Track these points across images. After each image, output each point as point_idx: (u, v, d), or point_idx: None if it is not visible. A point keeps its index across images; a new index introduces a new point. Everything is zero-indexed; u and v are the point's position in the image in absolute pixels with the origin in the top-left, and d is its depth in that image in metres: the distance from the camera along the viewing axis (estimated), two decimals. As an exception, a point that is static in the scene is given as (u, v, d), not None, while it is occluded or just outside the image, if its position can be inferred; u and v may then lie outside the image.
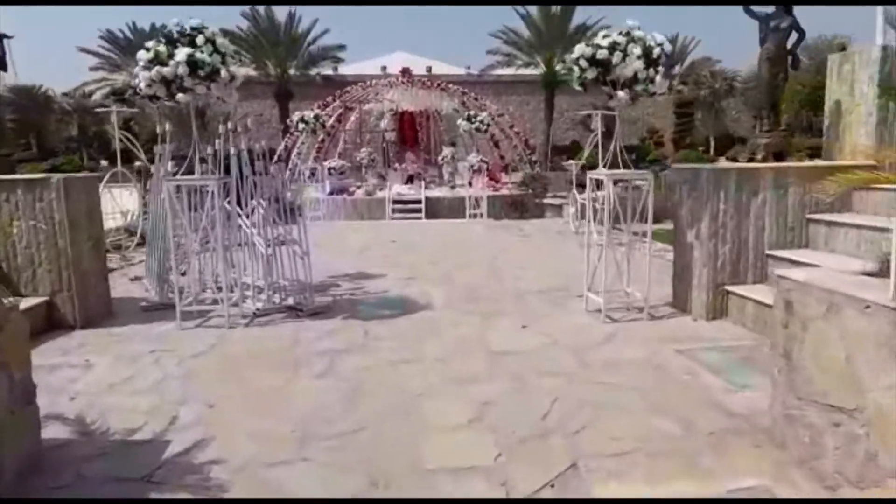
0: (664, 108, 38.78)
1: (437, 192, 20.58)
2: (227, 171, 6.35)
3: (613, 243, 5.88)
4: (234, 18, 40.36)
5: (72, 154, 36.98)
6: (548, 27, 32.15)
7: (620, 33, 5.39)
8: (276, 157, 25.18)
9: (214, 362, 4.70)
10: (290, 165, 25.66)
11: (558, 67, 33.36)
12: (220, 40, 5.55)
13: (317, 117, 13.12)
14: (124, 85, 43.74)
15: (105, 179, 10.22)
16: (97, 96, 41.88)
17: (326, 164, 16.87)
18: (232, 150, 6.15)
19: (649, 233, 5.82)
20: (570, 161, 11.24)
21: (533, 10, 32.67)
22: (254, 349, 4.98)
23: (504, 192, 19.23)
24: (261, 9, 32.35)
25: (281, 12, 32.84)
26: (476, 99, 25.12)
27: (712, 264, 5.64)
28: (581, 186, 14.53)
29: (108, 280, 6.25)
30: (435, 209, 19.30)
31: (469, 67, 36.48)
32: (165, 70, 5.34)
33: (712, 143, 35.65)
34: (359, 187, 21.96)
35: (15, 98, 36.85)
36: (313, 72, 33.55)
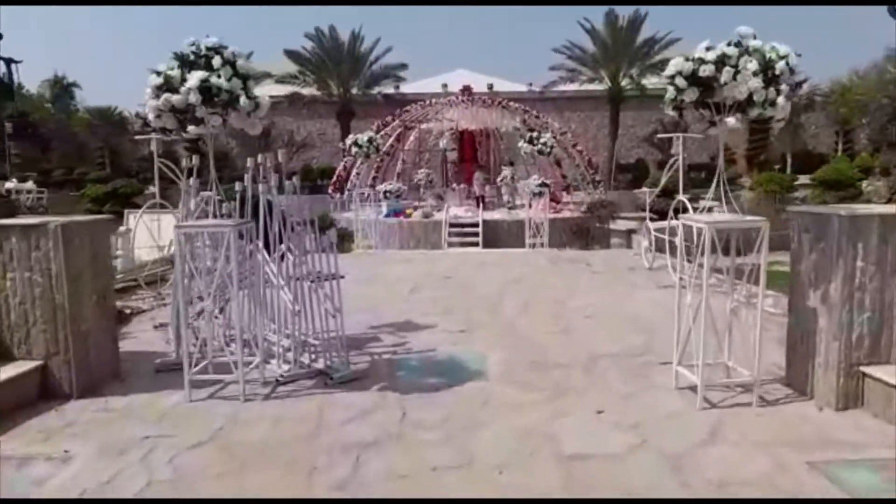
0: (737, 124, 36.54)
1: (495, 215, 19.53)
2: (256, 211, 5.50)
3: (698, 292, 4.64)
4: (297, 39, 41.05)
5: (143, 174, 37.92)
6: (614, 41, 30.79)
7: (730, 44, 4.21)
8: (335, 177, 24.80)
9: (215, 458, 3.75)
10: (348, 186, 25.30)
11: (624, 82, 31.91)
12: (241, 62, 4.68)
13: (370, 140, 12.28)
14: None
15: (142, 209, 9.65)
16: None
17: (381, 187, 16.06)
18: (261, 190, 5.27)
19: (760, 296, 4.54)
20: (644, 189, 9.95)
21: (598, 23, 31.42)
22: (266, 438, 4.01)
23: (566, 213, 18.01)
24: (325, 28, 32.30)
25: (344, 31, 32.72)
26: (538, 116, 24.05)
27: (845, 337, 4.33)
28: (655, 214, 13.18)
29: (117, 339, 5.43)
30: (493, 234, 18.26)
31: (531, 84, 35.43)
32: (175, 98, 4.50)
33: (789, 161, 33.20)
34: (416, 209, 21.19)
35: (92, 119, 38.12)
36: (375, 90, 33.23)
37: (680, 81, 4.28)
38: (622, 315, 6.91)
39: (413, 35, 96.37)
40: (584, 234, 12.87)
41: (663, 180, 9.30)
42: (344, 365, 5.18)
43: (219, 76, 4.49)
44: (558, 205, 19.61)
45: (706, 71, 4.15)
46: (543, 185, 15.12)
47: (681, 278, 4.92)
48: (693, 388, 4.50)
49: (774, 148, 35.33)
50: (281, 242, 5.43)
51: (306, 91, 32.57)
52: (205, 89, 4.42)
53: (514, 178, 22.22)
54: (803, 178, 28.89)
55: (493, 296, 7.97)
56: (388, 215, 19.68)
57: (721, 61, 4.15)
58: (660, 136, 25.95)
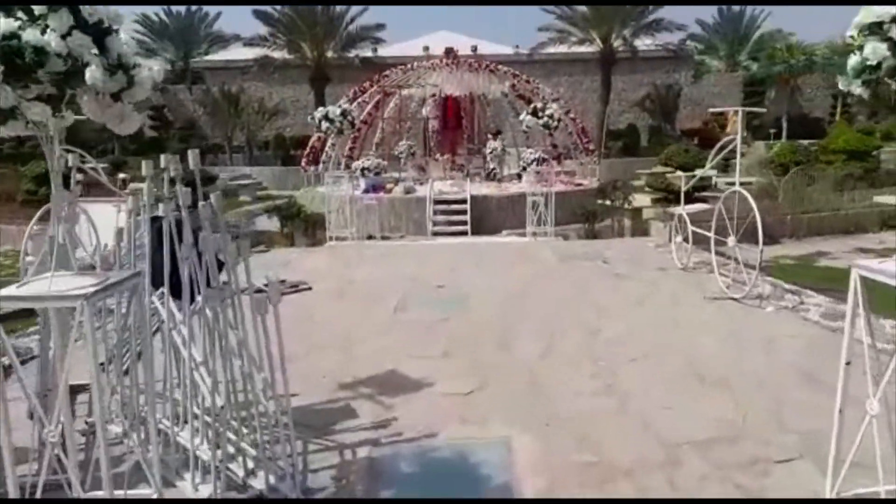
0: (731, 87, 34.57)
1: (483, 190, 17.56)
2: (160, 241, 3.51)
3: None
4: None
5: (104, 143, 35.03)
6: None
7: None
8: (308, 149, 22.53)
9: None
10: (323, 158, 23.05)
11: (616, 43, 29.67)
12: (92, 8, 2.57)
13: (344, 113, 10.09)
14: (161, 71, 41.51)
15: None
16: (133, 82, 39.73)
17: (358, 163, 14.01)
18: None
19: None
20: (677, 173, 8.01)
21: (589, -20, 28.95)
22: None
23: (559, 186, 16.07)
24: (296, -14, 29.44)
25: (315, -10, 29.87)
26: (528, 81, 21.90)
27: None
28: (670, 194, 11.33)
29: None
30: (482, 213, 16.34)
31: (518, 46, 33.00)
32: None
33: (784, 126, 31.44)
34: (396, 182, 19.12)
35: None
36: (352, 54, 30.60)
37: (880, 49, 2.36)
38: (679, 355, 5.07)
39: None
40: (590, 217, 10.95)
41: (710, 165, 7.39)
42: (296, 479, 3.30)
43: (43, 29, 2.40)
44: (559, 177, 17.71)
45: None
46: (542, 159, 13.17)
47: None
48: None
49: (770, 112, 33.55)
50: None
51: (277, 54, 29.88)
52: (7, 53, 2.32)
53: (504, 149, 20.24)
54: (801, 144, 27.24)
55: (501, 319, 6.08)
56: (366, 191, 17.66)
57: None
58: (713, 110, 23.56)
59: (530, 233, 10.58)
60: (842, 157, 15.21)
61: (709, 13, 40.83)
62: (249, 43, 29.99)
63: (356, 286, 7.34)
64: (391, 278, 7.59)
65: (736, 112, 8.55)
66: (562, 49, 30.41)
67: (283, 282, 7.34)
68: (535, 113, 9.54)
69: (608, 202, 10.71)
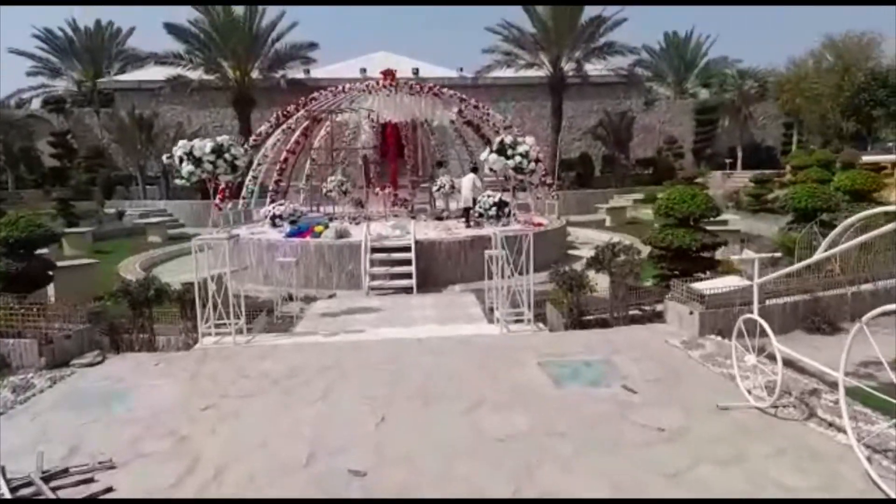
0: (681, 115, 32.71)
1: (431, 233, 14.37)
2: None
3: None
4: (182, 11, 32.03)
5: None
6: (556, 21, 25.93)
7: None
8: (222, 184, 18.72)
9: None
10: (243, 193, 19.32)
11: (567, 67, 27.23)
12: None
13: (220, 150, 6.14)
14: (65, 92, 36.81)
15: None
16: (35, 105, 34.87)
17: (267, 209, 10.54)
18: None
19: None
20: (746, 254, 4.81)
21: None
22: None
23: (515, 227, 12.98)
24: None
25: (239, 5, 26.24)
26: (476, 107, 18.96)
27: None
28: (691, 262, 8.36)
29: None
30: (429, 260, 13.16)
31: (462, 69, 30.23)
32: None
33: (739, 155, 29.69)
34: (332, 220, 15.72)
35: None
36: (279, 74, 26.99)
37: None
38: None
39: (325, 11, 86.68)
40: (577, 285, 7.71)
41: (826, 246, 4.18)
42: None
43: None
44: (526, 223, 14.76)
45: None
46: (502, 202, 10.11)
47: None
48: None
49: (722, 141, 31.86)
50: None
51: (194, 74, 25.94)
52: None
53: (453, 186, 17.16)
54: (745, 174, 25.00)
55: None
56: (290, 235, 14.16)
57: None
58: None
59: (500, 317, 7.32)
60: (848, 199, 12.67)
61: (654, 39, 39.33)
62: (162, 61, 25.95)
63: (199, 476, 3.85)
64: (273, 452, 4.15)
65: None
66: (509, 73, 27.76)
67: (63, 472, 3.87)
68: (501, 150, 6.37)
69: (609, 273, 7.55)
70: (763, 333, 4.63)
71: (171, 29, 24.90)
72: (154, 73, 29.62)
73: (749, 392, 4.84)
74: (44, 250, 11.18)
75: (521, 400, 4.89)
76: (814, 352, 5.43)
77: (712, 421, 4.52)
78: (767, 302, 6.74)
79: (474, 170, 16.31)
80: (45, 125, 30.07)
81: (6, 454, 4.02)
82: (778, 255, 5.86)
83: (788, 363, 4.94)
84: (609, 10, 25.75)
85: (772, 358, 4.64)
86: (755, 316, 4.72)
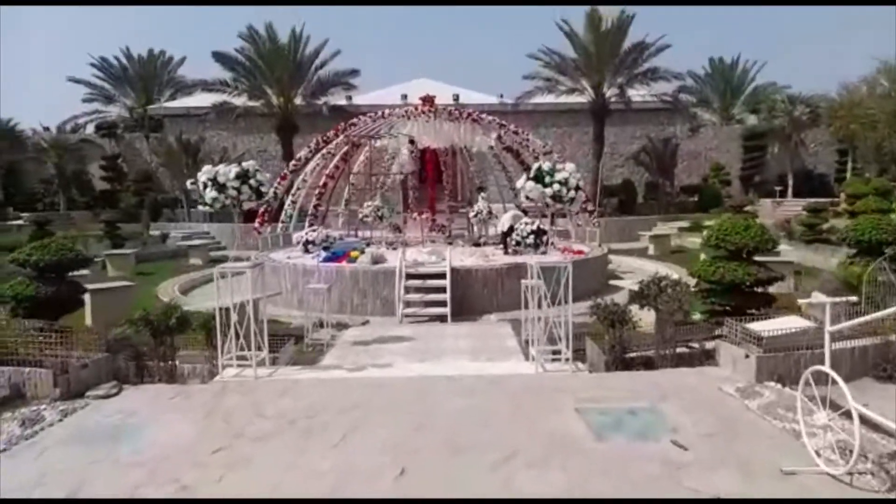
0: (728, 141, 31.71)
1: (467, 260, 13.98)
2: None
3: None
4: (229, 40, 32.82)
5: (51, 196, 31.17)
6: (598, 47, 25.51)
7: None
8: (262, 208, 18.73)
9: None
10: (282, 217, 19.35)
11: (609, 93, 26.73)
12: None
13: (245, 176, 5.85)
14: (117, 118, 38.11)
15: None
16: (89, 129, 36.21)
17: (301, 234, 10.35)
18: None
19: None
20: (816, 297, 4.20)
21: (579, 27, 26.15)
22: None
23: (555, 256, 12.50)
24: (261, 28, 26.26)
25: (284, 31, 26.74)
26: (516, 132, 18.65)
27: None
28: (744, 296, 7.73)
29: None
30: (465, 288, 12.77)
31: (502, 96, 30.03)
32: None
33: (790, 182, 28.49)
34: (369, 245, 15.57)
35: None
36: (321, 101, 27.26)
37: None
38: None
39: (368, 39, 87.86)
40: (619, 321, 7.18)
41: None
42: None
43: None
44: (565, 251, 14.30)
45: None
46: (540, 231, 9.53)
47: None
48: None
49: (771, 167, 30.71)
50: None
51: (239, 101, 26.43)
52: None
53: (490, 212, 16.79)
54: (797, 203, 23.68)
55: None
56: (326, 260, 13.96)
57: None
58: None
59: (536, 354, 6.86)
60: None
61: (699, 64, 38.53)
62: (209, 88, 26.55)
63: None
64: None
65: None
66: (549, 99, 27.40)
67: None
68: (539, 177, 5.91)
69: (654, 310, 7.01)
70: (832, 383, 4.05)
71: (219, 57, 25.50)
72: (202, 100, 30.37)
73: (818, 454, 4.23)
74: (84, 271, 11.20)
75: (558, 453, 4.40)
76: (886, 404, 4.80)
77: (776, 487, 3.94)
78: (833, 346, 6.07)
79: (480, 189, 15.91)
80: (97, 149, 31.10)
81: (4, 494, 3.75)
82: (853, 298, 5.24)
83: (863, 420, 4.32)
84: (652, 36, 25.23)
85: (845, 415, 4.05)
86: (827, 368, 4.14)
